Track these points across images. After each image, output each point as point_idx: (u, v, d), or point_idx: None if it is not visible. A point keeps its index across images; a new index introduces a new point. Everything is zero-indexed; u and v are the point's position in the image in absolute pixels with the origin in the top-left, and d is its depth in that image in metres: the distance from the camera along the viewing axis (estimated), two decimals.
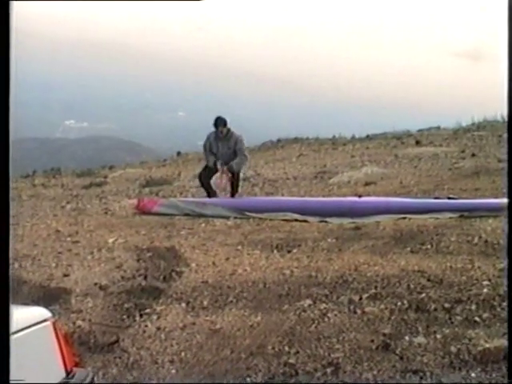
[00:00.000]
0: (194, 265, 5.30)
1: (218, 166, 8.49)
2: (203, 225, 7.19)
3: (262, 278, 4.79)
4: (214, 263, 5.32)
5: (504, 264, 4.47)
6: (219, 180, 8.66)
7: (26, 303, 2.83)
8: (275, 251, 5.65)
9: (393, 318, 3.75)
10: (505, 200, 6.81)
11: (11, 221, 1.97)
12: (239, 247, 5.89)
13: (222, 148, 8.56)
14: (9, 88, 2.12)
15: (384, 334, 3.54)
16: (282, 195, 9.53)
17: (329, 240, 5.87)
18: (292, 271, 4.90)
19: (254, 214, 7.42)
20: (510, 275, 2.90)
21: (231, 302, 4.36)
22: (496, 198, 7.06)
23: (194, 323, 4.06)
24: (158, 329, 4.05)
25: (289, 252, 5.58)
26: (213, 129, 8.58)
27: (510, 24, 2.62)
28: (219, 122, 8.48)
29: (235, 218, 7.41)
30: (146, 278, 5.04)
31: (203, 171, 8.83)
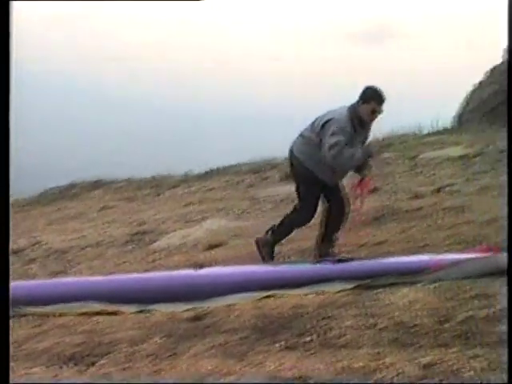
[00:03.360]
0: None
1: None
2: None
3: None
4: None
5: (430, 358, 4.60)
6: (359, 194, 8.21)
7: None
8: (70, 365, 5.45)
9: None
10: (425, 257, 7.12)
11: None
12: (10, 364, 5.64)
13: (359, 142, 7.87)
14: (9, 89, 2.80)
15: None
16: (78, 274, 9.35)
17: (155, 339, 5.76)
18: None
19: (32, 309, 7.16)
20: (509, 275, 3.04)
21: None
22: (412, 253, 7.34)
23: None
24: None
25: (92, 365, 5.40)
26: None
27: (509, 23, 2.92)
28: (380, 95, 7.79)
29: None
30: None
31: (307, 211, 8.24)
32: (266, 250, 8.31)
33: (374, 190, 12.09)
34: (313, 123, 7.98)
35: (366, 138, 8.06)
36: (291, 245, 9.02)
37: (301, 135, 8.14)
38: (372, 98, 7.61)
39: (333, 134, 7.53)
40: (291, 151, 8.23)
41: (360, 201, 7.99)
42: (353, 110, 7.66)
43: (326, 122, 7.71)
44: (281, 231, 8.44)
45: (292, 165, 8.32)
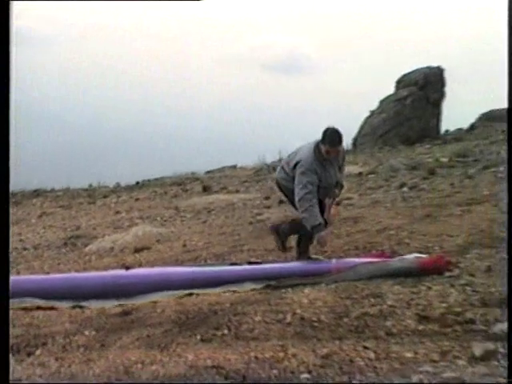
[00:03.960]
0: None
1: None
2: None
3: None
4: None
5: (328, 349, 4.64)
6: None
7: None
8: (10, 355, 5.35)
9: None
10: (326, 261, 7.17)
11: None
12: None
13: (331, 171, 7.45)
14: (9, 88, 2.65)
15: None
16: (18, 273, 9.17)
17: (86, 333, 5.67)
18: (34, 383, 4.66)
19: None
20: (509, 275, 3.52)
21: None
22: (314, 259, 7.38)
23: None
24: None
25: (29, 355, 5.29)
26: None
27: (509, 24, 2.88)
28: (335, 139, 7.31)
29: None
30: None
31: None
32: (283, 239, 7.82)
33: (282, 203, 12.20)
34: (289, 158, 7.75)
35: (343, 159, 7.72)
36: (209, 250, 9.00)
37: (282, 167, 7.90)
38: (326, 141, 7.30)
39: (301, 174, 7.29)
40: (276, 178, 8.00)
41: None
42: (316, 148, 7.37)
43: (297, 163, 7.45)
44: (291, 227, 7.87)
45: (279, 187, 7.98)
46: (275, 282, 6.63)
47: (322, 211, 7.38)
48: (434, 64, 25.05)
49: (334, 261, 7.01)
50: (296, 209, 7.41)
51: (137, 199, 15.97)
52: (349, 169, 17.26)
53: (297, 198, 7.30)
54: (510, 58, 3.00)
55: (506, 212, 3.40)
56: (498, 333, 4.65)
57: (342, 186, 7.72)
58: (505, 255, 6.54)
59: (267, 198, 13.00)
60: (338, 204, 12.28)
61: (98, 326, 5.86)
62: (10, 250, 11.20)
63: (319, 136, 7.27)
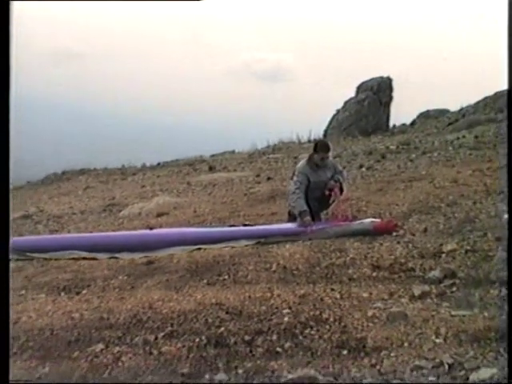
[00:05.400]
0: None
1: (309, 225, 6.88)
2: None
3: (49, 324, 4.48)
4: None
5: (304, 290, 4.65)
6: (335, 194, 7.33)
7: None
8: (62, 294, 5.35)
9: (191, 355, 3.67)
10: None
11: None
12: (23, 292, 5.49)
13: (322, 174, 7.34)
14: (9, 88, 2.30)
15: (183, 374, 3.44)
16: (69, 232, 9.14)
17: (120, 277, 5.67)
18: (82, 314, 4.65)
19: (37, 255, 6.95)
20: (509, 274, 3.19)
21: (15, 353, 3.98)
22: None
23: None
24: None
25: (77, 294, 5.30)
26: None
27: (509, 25, 2.72)
28: (324, 147, 7.38)
29: (17, 260, 6.86)
30: None
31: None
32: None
33: (269, 179, 12.17)
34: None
35: (334, 170, 7.49)
36: (214, 215, 8.98)
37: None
38: (320, 150, 7.34)
39: (294, 176, 7.36)
40: None
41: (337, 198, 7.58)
42: (309, 158, 7.42)
43: (295, 170, 7.52)
44: None
45: None
46: (264, 239, 6.64)
47: (317, 202, 7.31)
48: (385, 75, 25.06)
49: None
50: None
51: (158, 176, 15.88)
52: None
53: (289, 193, 7.36)
54: (510, 55, 2.83)
55: (507, 211, 3.22)
56: (432, 278, 4.68)
57: (338, 179, 7.40)
58: (439, 220, 6.63)
59: (258, 176, 12.93)
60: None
61: (128, 272, 5.86)
62: (62, 214, 11.20)
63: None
